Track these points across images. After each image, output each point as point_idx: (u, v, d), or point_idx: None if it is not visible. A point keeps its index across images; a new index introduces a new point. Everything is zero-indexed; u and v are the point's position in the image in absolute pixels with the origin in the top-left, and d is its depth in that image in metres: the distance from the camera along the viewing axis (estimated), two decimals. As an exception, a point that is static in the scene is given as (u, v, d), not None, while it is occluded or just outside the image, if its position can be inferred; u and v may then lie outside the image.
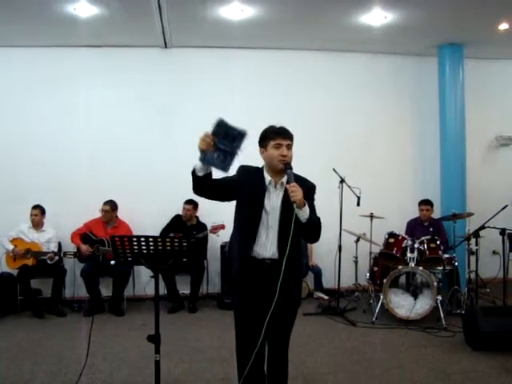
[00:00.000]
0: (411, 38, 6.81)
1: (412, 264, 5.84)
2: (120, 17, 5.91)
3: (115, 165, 6.97)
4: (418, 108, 7.59)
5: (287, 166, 2.99)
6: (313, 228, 3.03)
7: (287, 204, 2.94)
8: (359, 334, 5.43)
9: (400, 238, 6.15)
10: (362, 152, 7.39)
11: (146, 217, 6.77)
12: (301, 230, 2.96)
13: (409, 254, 5.92)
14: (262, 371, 3.25)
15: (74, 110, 6.98)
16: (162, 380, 3.21)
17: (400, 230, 6.48)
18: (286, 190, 2.97)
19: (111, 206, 6.60)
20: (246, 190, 3.08)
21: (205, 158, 2.95)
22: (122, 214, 6.74)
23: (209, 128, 3.03)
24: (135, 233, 6.44)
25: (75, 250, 6.37)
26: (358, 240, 6.53)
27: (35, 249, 6.28)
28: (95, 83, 7.02)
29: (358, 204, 6.21)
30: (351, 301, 6.49)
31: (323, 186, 6.68)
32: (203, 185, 3.03)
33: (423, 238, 6.09)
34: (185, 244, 3.21)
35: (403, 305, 5.77)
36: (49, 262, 6.17)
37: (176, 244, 3.21)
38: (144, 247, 3.19)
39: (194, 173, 3.02)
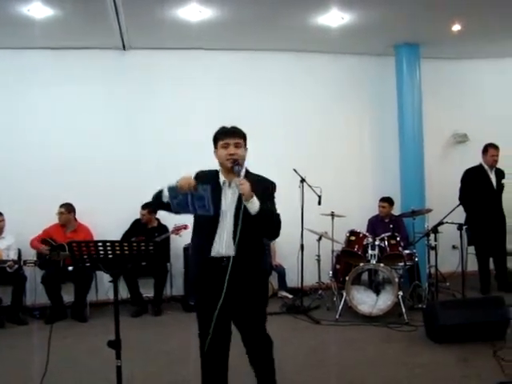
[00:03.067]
0: (369, 38, 6.90)
1: (373, 261, 5.91)
2: (76, 18, 5.80)
3: (75, 169, 6.82)
4: (378, 107, 7.70)
5: (234, 162, 3.08)
6: (267, 221, 3.11)
7: (241, 202, 3.03)
8: (323, 332, 5.49)
9: (361, 235, 6.23)
10: (322, 151, 7.44)
11: (107, 221, 6.66)
12: (256, 225, 3.04)
13: (370, 251, 5.99)
14: (224, 373, 3.33)
15: (29, 114, 6.83)
16: (124, 385, 3.16)
17: (361, 227, 6.57)
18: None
19: (66, 208, 6.48)
20: None
21: (176, 197, 3.02)
22: (82, 218, 6.63)
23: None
24: (96, 237, 6.36)
25: (35, 259, 6.22)
26: (320, 239, 6.56)
27: (-7, 256, 6.13)
28: (52, 86, 6.87)
29: (319, 203, 6.27)
30: (315, 299, 6.52)
31: (284, 185, 6.68)
32: (163, 207, 3.19)
33: (383, 234, 6.18)
34: (143, 248, 3.19)
35: (366, 301, 5.84)
36: (8, 270, 6.00)
37: (134, 248, 3.19)
38: (102, 252, 3.16)
39: (159, 196, 3.15)
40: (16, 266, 6.05)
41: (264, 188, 3.16)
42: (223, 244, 3.11)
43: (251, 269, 3.13)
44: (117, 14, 5.69)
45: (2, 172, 6.73)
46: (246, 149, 3.24)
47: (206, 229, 3.16)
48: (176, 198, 3.02)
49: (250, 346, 3.31)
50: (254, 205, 2.98)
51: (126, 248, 3.18)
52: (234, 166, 3.08)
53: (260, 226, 3.09)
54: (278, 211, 3.20)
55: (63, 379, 4.19)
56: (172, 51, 7.10)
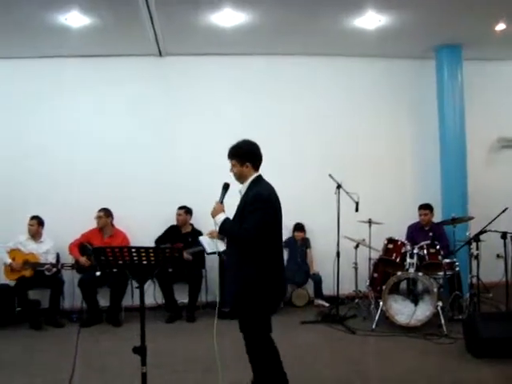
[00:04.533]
0: (407, 41, 6.73)
1: (412, 270, 5.74)
2: (112, 26, 5.90)
3: (112, 175, 6.95)
4: (417, 111, 7.50)
5: (224, 185, 3.70)
6: (228, 237, 3.63)
7: (238, 208, 3.58)
8: (359, 342, 5.36)
9: (399, 243, 6.07)
10: (360, 157, 7.31)
11: (143, 226, 6.72)
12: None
13: (408, 260, 5.82)
14: None
15: (69, 121, 7.00)
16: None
17: (400, 235, 6.40)
18: (240, 200, 3.60)
19: (105, 212, 6.59)
20: None
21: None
22: (119, 223, 6.71)
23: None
24: (132, 242, 6.43)
25: (73, 262, 6.35)
26: (357, 246, 6.44)
27: (33, 260, 6.25)
28: (90, 93, 7.03)
29: (357, 210, 6.13)
30: (351, 308, 6.40)
31: (320, 191, 6.71)
32: None
33: (423, 243, 5.99)
34: (169, 255, 3.17)
35: (403, 311, 5.65)
36: (47, 273, 6.15)
37: (160, 255, 3.17)
38: (127, 258, 3.15)
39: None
40: (54, 269, 6.18)
41: (248, 202, 3.49)
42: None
43: (236, 269, 3.54)
44: (152, 20, 5.74)
45: (42, 177, 6.90)
46: (243, 163, 3.61)
47: None
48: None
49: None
50: (215, 223, 3.54)
51: (151, 255, 3.16)
52: (222, 188, 3.69)
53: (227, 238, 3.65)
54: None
55: (90, 382, 4.22)
56: (207, 57, 7.13)
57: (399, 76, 7.47)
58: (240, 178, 3.63)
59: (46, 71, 6.96)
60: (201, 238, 3.73)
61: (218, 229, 3.53)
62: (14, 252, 6.34)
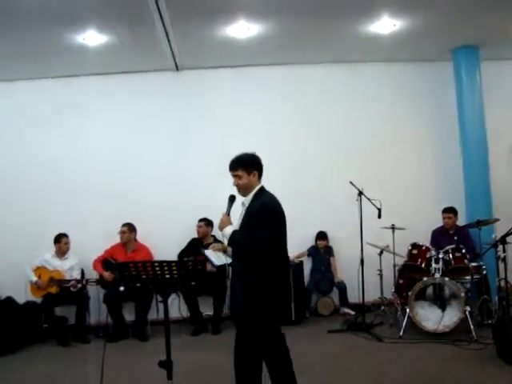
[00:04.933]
0: (423, 44, 6.66)
1: (437, 275, 5.66)
2: (129, 43, 5.97)
3: (132, 190, 7.02)
4: (436, 114, 7.41)
5: (230, 196, 3.68)
6: (237, 249, 3.57)
7: (243, 220, 3.58)
8: (386, 350, 5.29)
9: (424, 248, 5.99)
10: (381, 163, 7.27)
11: (165, 240, 6.76)
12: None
13: (434, 265, 5.74)
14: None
15: (88, 139, 7.10)
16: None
17: (424, 240, 6.30)
18: (247, 208, 3.58)
19: (128, 227, 6.64)
20: None
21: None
22: (141, 238, 6.77)
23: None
24: (155, 256, 6.46)
25: (97, 277, 6.40)
26: (381, 253, 6.39)
27: (58, 277, 6.33)
28: (108, 110, 7.14)
29: (379, 216, 6.09)
30: (377, 315, 6.33)
31: (342, 199, 6.67)
32: None
33: (448, 247, 5.91)
34: (191, 268, 3.18)
35: (430, 317, 5.58)
36: (72, 289, 6.22)
37: (183, 268, 3.18)
38: (151, 272, 3.17)
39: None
40: (79, 285, 6.25)
41: (253, 210, 3.52)
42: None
43: (240, 279, 3.54)
44: (167, 36, 5.80)
45: (65, 194, 6.99)
46: (250, 172, 3.61)
47: None
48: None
49: None
50: (224, 236, 3.56)
51: (174, 268, 3.17)
52: (228, 200, 3.67)
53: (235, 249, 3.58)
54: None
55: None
56: (224, 69, 7.18)
57: (416, 80, 7.41)
58: (246, 189, 3.62)
59: (65, 91, 7.07)
60: (206, 253, 3.65)
61: (226, 241, 3.54)
62: (39, 269, 6.44)
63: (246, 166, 3.61)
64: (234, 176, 3.61)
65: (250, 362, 3.46)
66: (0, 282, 6.62)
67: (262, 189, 3.67)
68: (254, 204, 3.55)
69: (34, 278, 6.32)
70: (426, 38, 6.42)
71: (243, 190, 3.62)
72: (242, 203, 3.64)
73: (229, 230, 3.50)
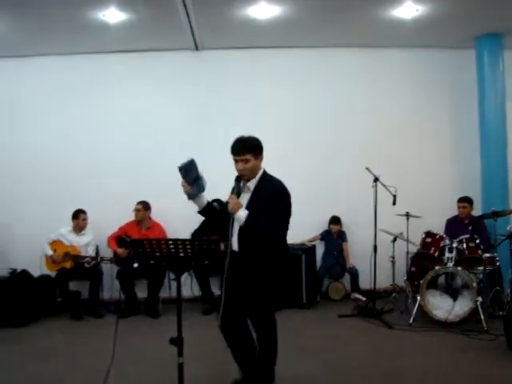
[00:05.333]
0: (446, 31, 6.55)
1: (450, 264, 5.64)
2: (148, 21, 5.96)
3: (148, 168, 7.06)
4: (455, 102, 7.31)
5: (237, 178, 3.58)
6: (253, 231, 3.50)
7: (250, 205, 3.51)
8: (395, 337, 5.29)
9: (437, 237, 5.98)
10: (397, 149, 7.21)
11: (179, 219, 6.78)
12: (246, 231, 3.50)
13: (447, 254, 5.73)
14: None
15: (107, 115, 7.14)
16: (187, 382, 3.20)
17: (438, 228, 6.29)
18: (253, 193, 3.57)
19: (143, 205, 6.69)
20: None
21: (189, 196, 3.66)
22: (156, 216, 6.81)
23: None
24: (169, 235, 6.51)
25: (112, 256, 6.47)
26: (394, 240, 6.38)
27: (74, 252, 6.42)
28: (126, 88, 7.14)
29: (394, 203, 6.04)
30: (388, 302, 6.33)
31: (357, 184, 6.66)
32: (208, 216, 3.76)
33: (462, 236, 5.88)
34: (205, 247, 3.19)
35: (441, 306, 5.56)
36: (86, 265, 6.30)
37: (197, 247, 3.20)
38: (165, 250, 3.19)
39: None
40: (93, 262, 6.31)
41: (270, 194, 3.51)
42: (233, 241, 3.59)
43: (251, 263, 3.50)
44: (187, 14, 5.77)
45: (82, 171, 7.07)
46: (257, 156, 3.59)
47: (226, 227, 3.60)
48: (189, 197, 3.69)
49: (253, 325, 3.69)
50: (239, 219, 3.46)
51: (188, 247, 3.19)
52: (236, 181, 3.59)
53: (250, 233, 3.50)
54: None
55: (127, 372, 4.30)
56: (243, 50, 7.12)
57: (437, 66, 7.29)
58: (252, 173, 3.57)
59: (85, 67, 7.10)
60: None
61: (243, 224, 3.45)
62: (55, 244, 6.53)
63: (254, 149, 3.57)
64: (241, 160, 3.52)
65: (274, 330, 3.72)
66: (16, 255, 6.76)
67: (265, 172, 3.66)
68: (264, 188, 3.55)
69: (50, 252, 6.41)
70: (449, 24, 6.30)
71: (249, 174, 3.56)
72: (246, 187, 3.62)
73: (242, 213, 3.45)
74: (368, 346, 5.01)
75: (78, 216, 6.62)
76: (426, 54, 7.27)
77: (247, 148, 3.55)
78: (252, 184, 3.59)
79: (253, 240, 3.51)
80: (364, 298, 6.72)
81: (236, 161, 3.55)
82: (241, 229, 3.51)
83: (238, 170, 3.56)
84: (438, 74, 7.30)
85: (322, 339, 5.25)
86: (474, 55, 7.03)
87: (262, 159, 3.63)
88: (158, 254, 3.21)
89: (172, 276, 6.40)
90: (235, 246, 3.60)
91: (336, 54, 7.21)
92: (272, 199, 3.48)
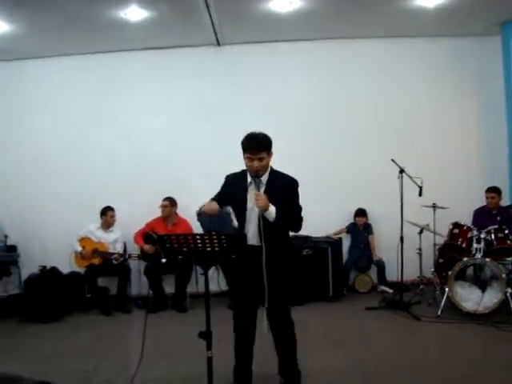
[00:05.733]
0: (470, 18, 6.40)
1: (479, 255, 5.55)
2: (170, 18, 5.97)
3: (173, 164, 7.11)
4: (482, 91, 7.15)
5: (256, 176, 3.52)
6: (284, 225, 3.60)
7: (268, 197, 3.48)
8: (424, 329, 5.27)
9: (465, 228, 5.89)
10: (423, 140, 7.11)
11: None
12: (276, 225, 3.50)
13: (475, 245, 5.63)
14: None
15: (130, 114, 7.18)
16: (216, 376, 3.24)
17: (465, 219, 6.20)
18: (266, 186, 3.57)
19: (170, 201, 6.76)
20: (230, 195, 3.71)
21: (203, 220, 3.76)
22: (182, 212, 6.86)
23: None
24: (195, 230, 6.54)
25: (139, 252, 6.56)
26: (421, 231, 6.32)
27: (102, 249, 6.52)
28: (149, 85, 7.18)
29: (420, 194, 6.00)
30: (416, 294, 6.29)
31: (382, 176, 6.61)
32: None
33: (490, 227, 5.78)
34: (232, 241, 3.21)
35: (470, 298, 5.50)
36: (114, 262, 6.38)
37: (224, 241, 3.21)
38: (192, 245, 3.21)
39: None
40: (121, 258, 6.39)
41: (285, 185, 3.58)
42: (250, 235, 3.55)
43: (274, 256, 3.49)
44: (208, 10, 5.77)
45: (109, 167, 7.18)
46: (270, 154, 3.58)
47: (240, 223, 3.63)
48: (202, 221, 3.73)
49: (272, 323, 3.68)
50: (270, 215, 3.47)
51: (215, 241, 3.20)
52: (254, 178, 3.54)
53: (280, 227, 3.55)
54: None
55: (156, 366, 4.34)
56: (265, 44, 7.08)
57: (462, 55, 7.14)
58: (264, 170, 3.57)
59: (106, 66, 7.17)
60: (230, 210, 3.65)
61: (274, 219, 3.47)
62: (84, 240, 6.64)
63: (268, 147, 3.57)
64: (257, 158, 3.48)
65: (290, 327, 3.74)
66: (45, 253, 6.89)
67: (272, 167, 3.69)
68: (276, 182, 3.59)
69: (79, 249, 6.52)
70: (473, 11, 6.15)
71: (262, 171, 3.53)
72: (249, 182, 3.63)
73: (273, 209, 3.46)
74: (396, 339, 5.00)
75: (106, 213, 6.72)
76: (450, 42, 7.11)
77: (263, 146, 3.53)
78: (264, 179, 3.59)
79: (276, 233, 3.55)
80: (391, 291, 6.68)
81: (251, 159, 3.50)
82: (265, 224, 3.48)
83: (253, 168, 3.51)
84: (462, 63, 7.16)
85: (349, 332, 5.24)
86: (499, 42, 6.87)
87: (272, 155, 3.62)
88: (185, 249, 3.24)
89: (199, 271, 6.45)
90: (253, 241, 3.57)
91: (358, 45, 7.11)
92: (288, 190, 3.57)
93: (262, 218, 3.48)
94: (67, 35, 6.35)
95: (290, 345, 3.76)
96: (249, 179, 3.63)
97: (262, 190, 3.55)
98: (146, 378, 4.00)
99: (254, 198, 3.45)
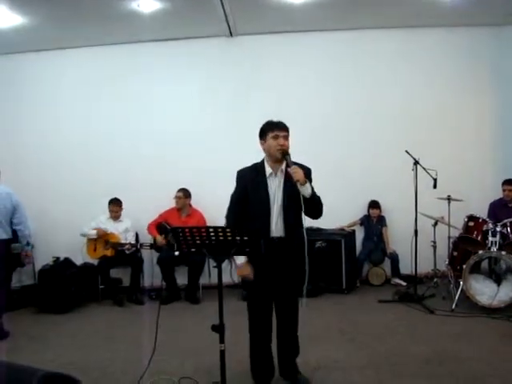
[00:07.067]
0: (487, 7, 6.27)
1: (494, 248, 5.49)
2: (182, 9, 5.93)
3: (187, 156, 7.09)
4: (498, 82, 7.04)
5: (285, 153, 3.47)
6: (316, 203, 3.52)
7: (288, 188, 3.50)
8: (437, 323, 5.21)
9: (480, 220, 5.83)
10: (438, 132, 7.01)
11: (218, 206, 6.79)
12: (306, 207, 3.38)
13: (490, 238, 5.57)
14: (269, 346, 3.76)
15: (143, 105, 7.18)
16: (228, 369, 3.22)
17: (481, 212, 6.12)
18: (285, 176, 3.54)
19: (184, 192, 6.76)
20: (250, 190, 3.61)
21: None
22: (195, 203, 6.86)
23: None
24: (208, 222, 6.54)
25: (152, 242, 6.57)
26: (435, 224, 6.26)
27: (114, 240, 6.53)
28: (162, 77, 7.17)
29: (435, 186, 5.93)
30: (430, 287, 6.23)
31: (396, 168, 6.56)
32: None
33: (506, 220, 5.71)
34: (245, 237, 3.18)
35: (485, 292, 5.44)
36: (127, 252, 6.40)
37: (237, 234, 3.19)
38: (205, 238, 3.20)
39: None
40: (133, 248, 6.40)
41: (304, 173, 3.45)
42: (274, 227, 3.55)
43: (297, 248, 3.45)
44: (221, 0, 5.72)
45: (120, 158, 7.18)
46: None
47: (260, 215, 3.56)
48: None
49: (283, 320, 3.69)
50: (308, 189, 3.41)
51: (229, 234, 3.19)
52: (285, 155, 3.47)
53: (310, 207, 3.43)
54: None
55: (169, 358, 4.35)
56: (278, 35, 7.02)
57: (479, 46, 7.02)
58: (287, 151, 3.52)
59: (120, 57, 7.16)
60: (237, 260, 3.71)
61: (309, 194, 3.41)
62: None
63: (288, 131, 3.60)
64: (283, 136, 3.51)
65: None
66: (57, 244, 6.92)
67: None
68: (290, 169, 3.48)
69: (93, 232, 6.56)
70: (490, 0, 6.05)
71: (286, 152, 3.49)
72: (268, 174, 3.58)
73: (308, 183, 3.44)
74: (410, 332, 4.95)
75: (112, 204, 6.74)
76: (466, 33, 6.99)
77: (287, 127, 3.58)
78: (283, 168, 3.57)
79: (297, 219, 3.51)
80: (404, 283, 6.65)
81: (277, 136, 3.50)
82: (287, 216, 3.52)
83: (280, 146, 3.48)
84: (479, 54, 7.04)
85: (362, 325, 5.22)
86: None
87: None
88: (198, 241, 3.22)
89: (212, 263, 6.42)
90: (277, 233, 3.56)
91: (374, 35, 7.02)
92: (306, 177, 3.47)
93: (285, 210, 3.52)
94: (80, 27, 6.34)
95: (294, 346, 3.76)
96: (267, 171, 3.58)
97: (281, 176, 3.57)
98: (159, 369, 4.00)
99: (292, 172, 3.37)
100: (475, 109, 7.12)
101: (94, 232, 6.57)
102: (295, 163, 3.48)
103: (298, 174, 3.35)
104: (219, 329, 3.23)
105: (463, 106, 7.11)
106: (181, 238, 3.26)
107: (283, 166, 3.57)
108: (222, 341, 3.22)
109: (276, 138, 3.50)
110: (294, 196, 3.43)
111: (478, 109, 7.13)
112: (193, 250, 3.33)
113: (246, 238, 3.14)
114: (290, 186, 3.49)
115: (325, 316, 5.54)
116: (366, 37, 7.05)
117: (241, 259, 3.62)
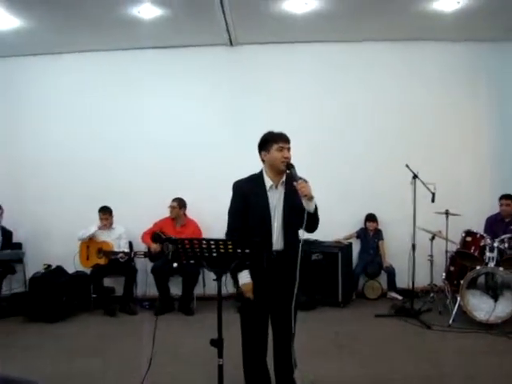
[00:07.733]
0: (487, 23, 6.28)
1: (491, 264, 5.47)
2: (183, 17, 5.90)
3: (183, 165, 7.04)
4: (497, 97, 7.06)
5: (290, 165, 3.40)
6: (317, 218, 3.45)
7: (289, 201, 3.44)
8: (434, 338, 5.18)
9: (478, 236, 5.80)
10: (436, 146, 7.00)
11: (214, 217, 6.74)
12: (308, 221, 3.29)
13: (488, 254, 5.54)
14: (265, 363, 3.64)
15: (141, 112, 7.12)
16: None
17: (478, 226, 6.11)
18: (286, 189, 3.46)
19: (178, 202, 6.68)
20: (250, 202, 3.48)
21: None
22: (190, 213, 6.79)
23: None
24: (203, 232, 6.48)
25: (146, 250, 6.48)
26: (433, 238, 6.24)
27: (107, 248, 6.45)
28: (162, 84, 7.10)
29: (433, 200, 5.92)
30: (426, 302, 6.19)
31: (393, 182, 6.54)
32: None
33: (503, 236, 5.68)
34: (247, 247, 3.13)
35: (482, 307, 5.41)
36: (121, 260, 6.30)
37: (239, 247, 3.14)
38: (206, 250, 3.13)
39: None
40: (126, 257, 6.32)
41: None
42: (274, 240, 3.45)
43: (293, 262, 3.33)
44: (223, 9, 5.70)
45: (111, 168, 7.11)
46: None
47: (260, 229, 3.44)
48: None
49: (280, 334, 3.56)
50: (313, 204, 3.34)
51: (230, 247, 3.13)
52: (289, 168, 3.39)
53: (312, 221, 3.38)
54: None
55: (165, 372, 4.27)
56: (279, 45, 7.00)
57: (478, 60, 7.03)
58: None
59: (119, 64, 7.10)
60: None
61: (313, 209, 3.34)
62: (88, 241, 6.58)
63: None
64: (288, 148, 3.45)
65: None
66: (50, 252, 6.83)
67: None
68: (290, 182, 3.41)
69: (94, 228, 6.52)
70: (491, 16, 6.04)
71: (287, 164, 3.42)
72: (269, 186, 3.47)
73: (314, 199, 3.37)
74: (407, 347, 4.91)
75: (100, 213, 6.64)
76: (467, 47, 7.01)
77: (289, 139, 3.50)
78: (283, 178, 3.50)
79: (295, 233, 3.45)
80: (401, 297, 6.61)
81: (282, 149, 3.42)
82: (286, 228, 3.44)
83: (284, 158, 3.41)
84: (478, 69, 7.06)
85: (358, 339, 5.17)
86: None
87: None
88: (198, 253, 3.16)
89: (207, 273, 6.37)
90: (277, 246, 3.46)
91: (374, 48, 7.02)
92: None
93: (285, 224, 3.45)
94: (80, 32, 6.30)
95: (291, 359, 3.58)
96: (268, 184, 3.49)
97: (282, 188, 3.50)
98: (153, 381, 3.91)
99: (299, 187, 3.27)
100: (474, 125, 7.13)
101: (95, 229, 6.53)
102: (300, 178, 3.39)
103: (306, 190, 3.27)
104: (218, 343, 3.17)
105: (464, 123, 7.12)
106: (180, 249, 3.19)
107: (284, 178, 3.50)
108: (220, 355, 3.15)
109: (281, 150, 3.43)
110: (294, 209, 3.37)
111: (477, 125, 7.14)
112: (192, 261, 3.25)
113: (247, 251, 3.08)
114: (290, 200, 3.44)
115: (320, 329, 5.48)
116: (367, 49, 7.05)
117: (243, 278, 3.59)
